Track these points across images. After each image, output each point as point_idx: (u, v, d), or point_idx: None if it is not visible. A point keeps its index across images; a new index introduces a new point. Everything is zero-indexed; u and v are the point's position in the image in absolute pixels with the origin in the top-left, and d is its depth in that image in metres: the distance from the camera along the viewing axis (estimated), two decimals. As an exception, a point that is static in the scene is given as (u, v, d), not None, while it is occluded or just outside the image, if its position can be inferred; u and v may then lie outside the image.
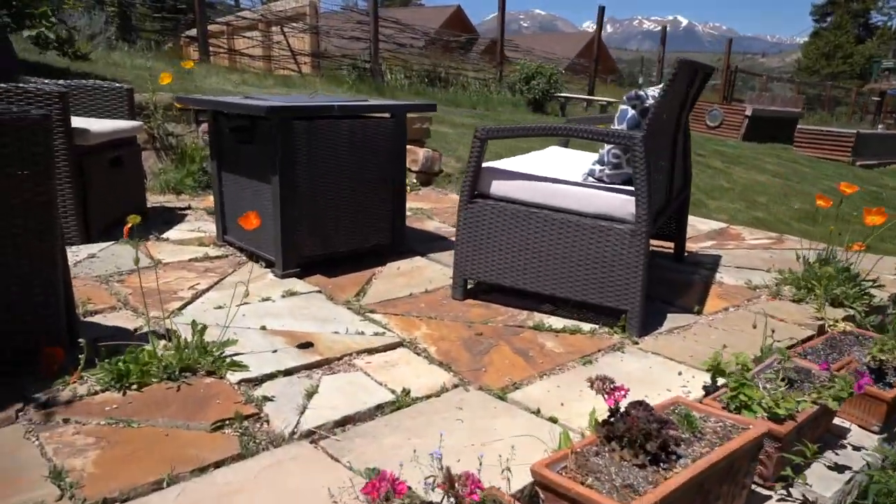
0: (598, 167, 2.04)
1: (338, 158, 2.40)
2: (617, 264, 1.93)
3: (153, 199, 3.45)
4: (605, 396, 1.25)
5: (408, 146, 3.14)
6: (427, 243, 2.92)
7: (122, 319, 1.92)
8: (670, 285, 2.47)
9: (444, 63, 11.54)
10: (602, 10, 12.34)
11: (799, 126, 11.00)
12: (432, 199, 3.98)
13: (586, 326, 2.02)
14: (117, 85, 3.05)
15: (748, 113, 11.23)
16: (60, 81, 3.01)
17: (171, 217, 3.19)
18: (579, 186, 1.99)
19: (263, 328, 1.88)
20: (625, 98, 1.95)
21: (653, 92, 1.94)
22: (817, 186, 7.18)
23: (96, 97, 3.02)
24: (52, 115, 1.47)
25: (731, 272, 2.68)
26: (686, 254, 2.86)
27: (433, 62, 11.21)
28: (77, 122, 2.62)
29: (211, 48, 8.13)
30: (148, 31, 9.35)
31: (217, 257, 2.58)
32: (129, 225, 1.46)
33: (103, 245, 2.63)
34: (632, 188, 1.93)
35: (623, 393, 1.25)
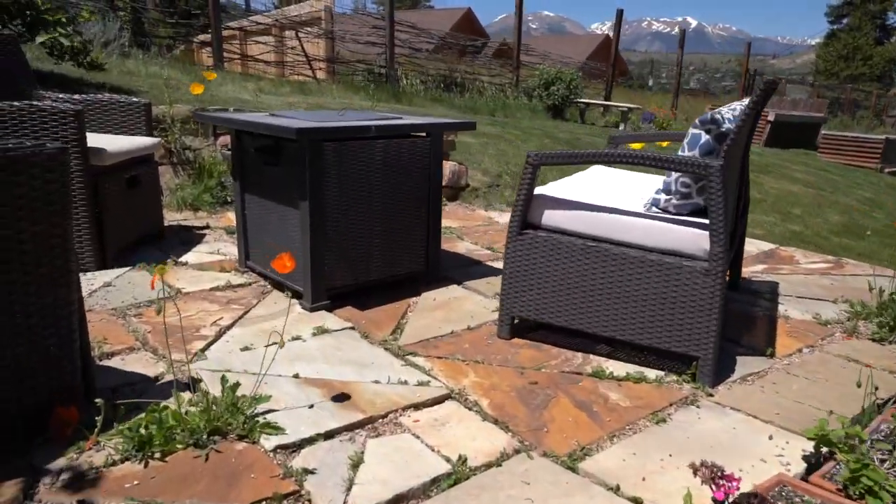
0: (663, 196, 1.85)
1: (370, 181, 2.22)
2: (687, 306, 1.73)
3: (170, 217, 3.29)
4: (713, 487, 1.07)
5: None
6: (461, 268, 2.74)
7: (142, 364, 1.75)
8: (732, 319, 2.27)
9: (460, 68, 11.35)
10: (620, 13, 12.08)
11: (823, 132, 10.70)
12: (460, 215, 3.79)
13: (651, 373, 1.83)
14: (134, 100, 2.89)
15: (771, 118, 10.94)
16: (76, 96, 2.85)
17: (190, 237, 3.03)
18: (644, 218, 1.80)
19: (296, 376, 1.70)
20: (697, 122, 1.75)
21: (728, 114, 1.75)
22: (850, 196, 6.92)
23: (112, 112, 2.87)
24: (68, 148, 1.30)
25: (793, 303, 2.47)
26: (740, 280, 2.66)
27: (449, 67, 11.02)
28: (92, 139, 2.46)
29: (224, 54, 7.99)
30: (161, 36, 9.23)
31: (240, 285, 2.41)
32: (156, 277, 1.28)
33: (119, 272, 2.47)
34: (702, 220, 1.74)
35: (735, 485, 1.06)
